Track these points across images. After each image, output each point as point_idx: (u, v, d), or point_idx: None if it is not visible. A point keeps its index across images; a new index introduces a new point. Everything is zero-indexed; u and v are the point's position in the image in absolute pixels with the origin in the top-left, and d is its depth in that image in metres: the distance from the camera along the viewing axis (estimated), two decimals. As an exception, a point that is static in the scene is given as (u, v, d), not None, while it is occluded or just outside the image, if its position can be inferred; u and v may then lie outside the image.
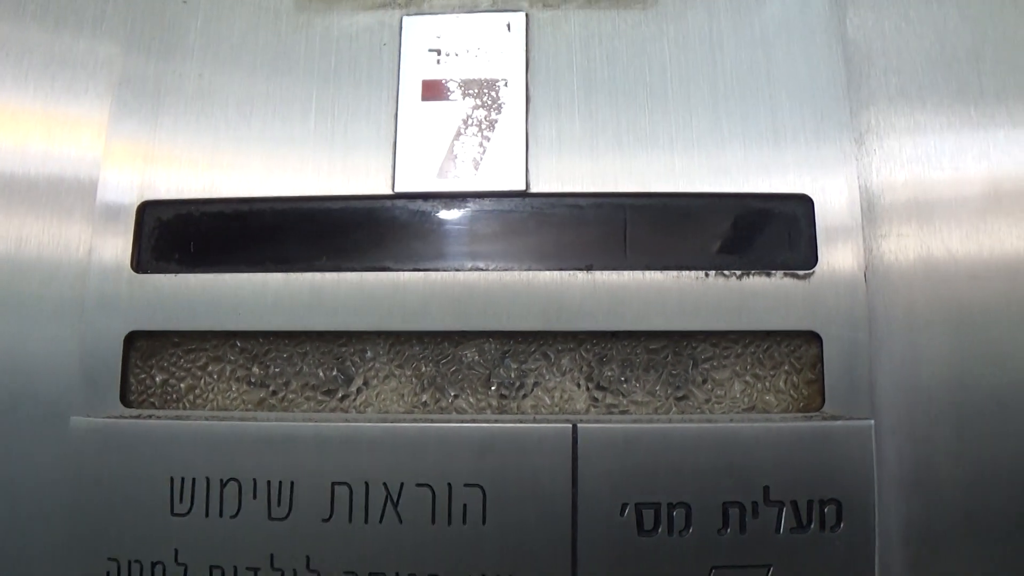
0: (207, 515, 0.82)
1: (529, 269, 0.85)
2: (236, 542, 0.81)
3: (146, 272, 0.87)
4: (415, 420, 0.83)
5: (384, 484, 0.81)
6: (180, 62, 0.92)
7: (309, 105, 0.90)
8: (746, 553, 0.79)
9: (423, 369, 0.86)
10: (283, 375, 0.87)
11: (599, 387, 0.85)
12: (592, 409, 0.85)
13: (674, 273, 0.84)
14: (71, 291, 0.87)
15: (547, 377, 0.86)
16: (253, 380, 0.87)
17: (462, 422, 0.83)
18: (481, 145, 0.87)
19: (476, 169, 0.87)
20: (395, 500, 0.81)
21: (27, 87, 0.93)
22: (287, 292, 0.85)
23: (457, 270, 0.85)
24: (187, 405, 0.87)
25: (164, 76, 0.91)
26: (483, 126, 0.88)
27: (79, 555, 0.82)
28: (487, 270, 0.85)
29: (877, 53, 0.90)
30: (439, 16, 0.91)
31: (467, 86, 0.89)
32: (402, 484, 0.81)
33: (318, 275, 0.86)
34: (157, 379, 0.88)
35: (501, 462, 0.81)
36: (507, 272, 0.85)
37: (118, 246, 0.87)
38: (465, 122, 0.88)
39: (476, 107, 0.88)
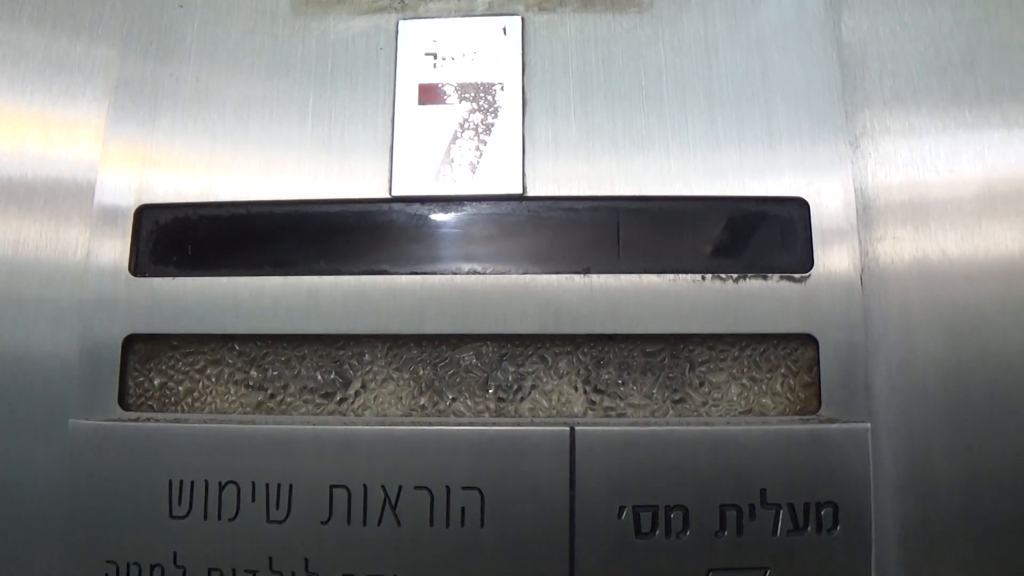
0: (206, 518, 0.82)
1: (526, 272, 0.85)
2: (235, 545, 0.82)
3: (144, 275, 0.87)
4: (413, 423, 0.84)
5: (382, 487, 0.81)
6: (177, 65, 0.92)
7: (306, 109, 0.90)
8: (743, 555, 0.79)
9: (421, 372, 0.87)
10: (281, 378, 0.87)
11: (596, 390, 0.86)
12: (590, 412, 0.86)
13: (671, 276, 0.84)
14: (69, 294, 0.88)
15: (544, 380, 0.86)
16: (251, 383, 0.87)
17: (460, 425, 0.84)
18: (478, 149, 0.87)
19: (473, 173, 0.87)
20: (393, 503, 0.81)
21: (24, 90, 0.93)
22: (285, 295, 0.86)
23: (454, 273, 0.85)
24: (185, 408, 0.87)
25: (161, 79, 0.91)
26: (479, 130, 0.88)
27: (78, 557, 0.83)
28: (484, 273, 0.85)
29: (872, 56, 0.91)
30: (435, 20, 0.92)
31: (463, 90, 0.89)
32: (400, 487, 0.81)
33: (316, 278, 0.86)
34: (155, 382, 0.88)
35: (499, 465, 0.81)
36: (504, 275, 0.85)
37: (116, 249, 0.88)
38: (462, 126, 0.88)
39: (472, 111, 0.88)
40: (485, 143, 0.87)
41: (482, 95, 0.89)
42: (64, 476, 0.84)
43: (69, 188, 0.90)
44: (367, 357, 0.87)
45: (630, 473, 0.80)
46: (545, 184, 0.87)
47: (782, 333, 0.84)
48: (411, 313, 0.85)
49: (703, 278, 0.84)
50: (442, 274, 0.85)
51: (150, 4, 0.94)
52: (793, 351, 0.85)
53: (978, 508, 0.82)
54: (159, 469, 0.83)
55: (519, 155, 0.87)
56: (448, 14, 0.92)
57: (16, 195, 0.90)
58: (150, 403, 0.87)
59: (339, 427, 0.83)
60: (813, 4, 0.90)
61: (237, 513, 0.82)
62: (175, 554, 0.82)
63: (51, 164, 0.91)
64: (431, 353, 0.87)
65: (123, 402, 0.86)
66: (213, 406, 0.87)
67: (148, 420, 0.85)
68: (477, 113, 0.88)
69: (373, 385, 0.87)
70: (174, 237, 0.88)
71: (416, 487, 0.81)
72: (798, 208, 0.85)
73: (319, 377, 0.87)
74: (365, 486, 0.81)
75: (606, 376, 0.86)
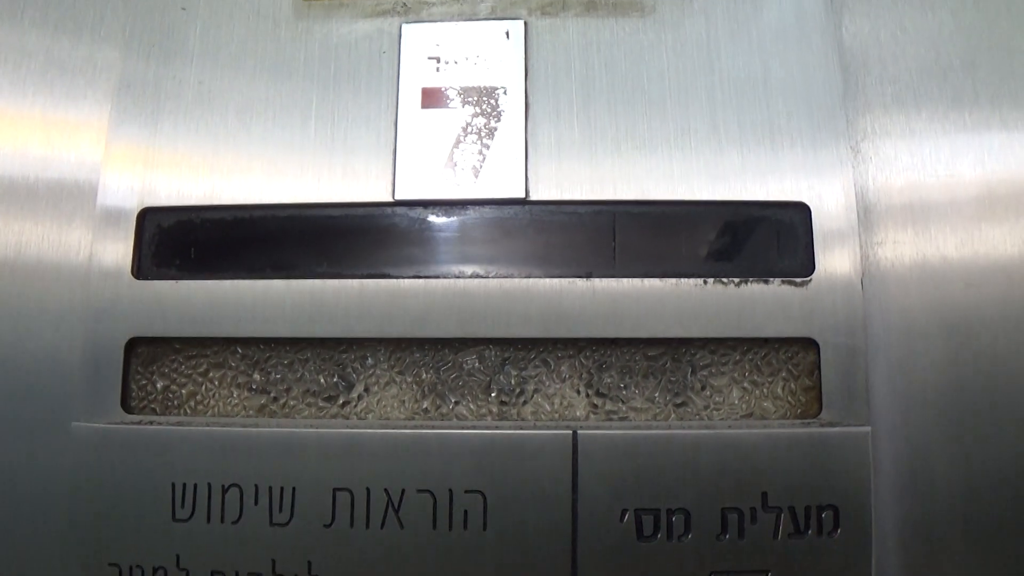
0: (209, 521, 0.82)
1: (529, 276, 0.85)
2: (238, 548, 0.82)
3: (147, 278, 0.87)
4: (416, 426, 0.84)
5: (385, 490, 0.81)
6: (180, 68, 0.92)
7: (309, 112, 0.90)
8: (744, 558, 0.80)
9: (424, 376, 0.87)
10: (284, 381, 0.88)
11: (599, 394, 0.86)
12: (592, 416, 0.86)
13: (672, 281, 0.84)
14: (72, 297, 0.88)
15: (547, 384, 0.87)
16: (254, 386, 0.88)
17: (463, 428, 0.84)
18: (481, 153, 0.88)
19: (476, 177, 0.87)
20: (396, 506, 0.81)
21: (26, 92, 0.93)
22: (288, 299, 0.86)
23: (457, 277, 0.86)
24: (188, 411, 0.88)
25: (164, 82, 0.91)
26: (482, 134, 0.88)
27: (81, 560, 0.83)
28: (487, 277, 0.86)
29: (873, 61, 0.91)
30: (438, 24, 0.92)
31: (466, 94, 0.89)
32: (403, 490, 0.81)
33: (319, 282, 0.86)
34: (158, 385, 0.88)
35: (502, 468, 0.81)
36: (507, 279, 0.85)
37: (118, 252, 0.88)
38: (465, 130, 0.88)
39: (475, 115, 0.89)
40: (488, 147, 0.88)
41: (485, 99, 0.89)
42: (67, 479, 0.84)
43: (71, 191, 0.90)
44: (370, 361, 0.87)
45: (632, 476, 0.81)
46: (548, 188, 0.87)
47: (783, 337, 0.84)
48: (414, 317, 0.85)
49: (705, 282, 0.84)
50: (445, 278, 0.86)
51: (152, 6, 0.94)
52: (794, 355, 0.85)
53: (978, 511, 0.83)
54: (162, 472, 0.83)
55: (522, 159, 0.87)
56: (451, 18, 0.92)
57: (19, 197, 0.90)
58: (153, 406, 0.88)
59: (342, 430, 0.84)
60: (814, 9, 0.91)
61: (240, 516, 0.82)
62: (178, 557, 0.82)
63: (53, 166, 0.91)
64: (434, 357, 0.87)
65: (126, 405, 0.86)
66: (216, 409, 0.88)
67: (151, 423, 0.85)
68: (480, 117, 0.88)
69: (376, 388, 0.87)
70: (177, 240, 0.88)
71: (419, 490, 0.81)
72: (799, 212, 0.86)
73: (322, 380, 0.87)
74: (368, 489, 0.81)
75: (608, 380, 0.86)
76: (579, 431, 0.82)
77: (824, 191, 0.86)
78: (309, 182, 0.88)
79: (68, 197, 0.90)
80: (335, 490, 0.82)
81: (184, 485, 0.83)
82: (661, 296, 0.84)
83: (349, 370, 0.87)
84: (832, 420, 0.82)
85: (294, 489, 0.82)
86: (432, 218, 0.88)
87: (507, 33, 0.91)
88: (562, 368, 0.87)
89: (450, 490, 0.81)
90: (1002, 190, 0.88)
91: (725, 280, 0.84)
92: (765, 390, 0.86)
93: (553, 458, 0.81)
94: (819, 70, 0.89)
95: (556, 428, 0.83)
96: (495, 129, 0.88)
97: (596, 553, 0.80)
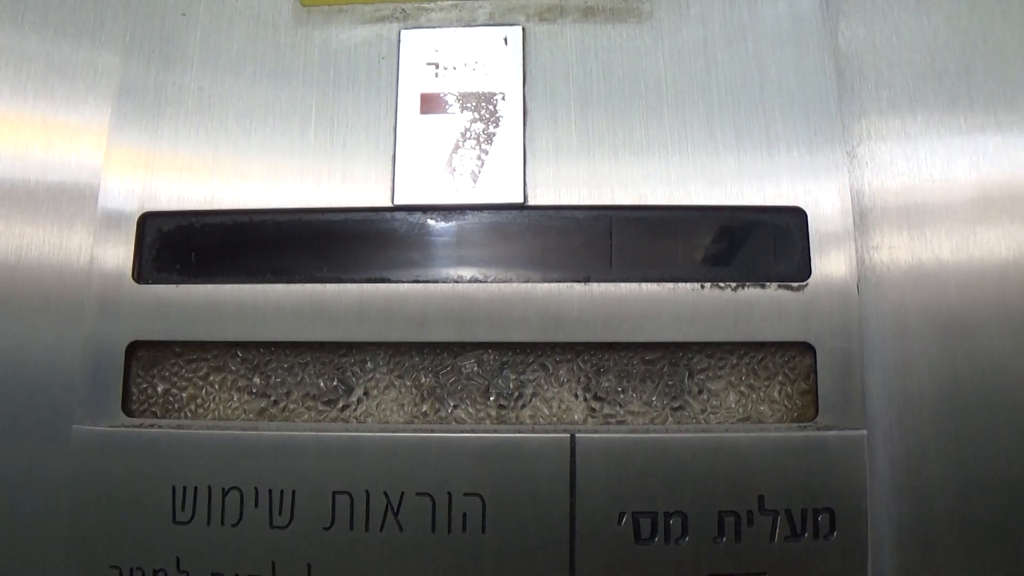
0: (209, 523, 0.82)
1: (527, 281, 0.86)
2: (238, 550, 0.82)
3: (147, 282, 0.88)
4: (415, 430, 0.84)
5: (385, 493, 0.82)
6: (180, 73, 0.92)
7: (308, 117, 0.90)
8: (741, 561, 0.80)
9: (423, 380, 0.87)
10: (284, 385, 0.88)
11: (597, 397, 0.87)
12: (590, 419, 0.86)
13: (670, 285, 0.85)
14: (72, 301, 0.88)
15: (545, 387, 0.87)
16: (254, 390, 0.88)
17: (461, 432, 0.84)
18: (479, 158, 0.88)
19: (474, 182, 0.88)
20: (395, 509, 0.82)
21: (27, 96, 0.94)
22: (288, 303, 0.86)
23: (456, 282, 0.86)
24: (188, 415, 0.88)
25: (164, 87, 0.92)
26: (481, 139, 0.88)
27: (81, 563, 0.83)
28: (486, 282, 0.86)
29: (869, 66, 0.91)
30: (437, 30, 0.92)
31: (465, 99, 0.90)
32: (402, 493, 0.82)
33: (318, 286, 0.86)
34: (159, 389, 0.88)
35: (500, 471, 0.82)
36: (505, 284, 0.86)
37: (119, 256, 0.88)
38: (463, 135, 0.89)
39: (474, 120, 0.89)
40: (487, 152, 0.88)
41: (483, 104, 0.89)
42: (68, 482, 0.84)
43: (72, 194, 0.91)
44: (369, 364, 0.88)
45: (630, 480, 0.81)
46: (546, 193, 0.87)
47: (780, 341, 0.85)
48: (413, 321, 0.85)
49: (702, 287, 0.85)
50: (444, 282, 0.86)
51: (152, 12, 0.94)
52: (791, 359, 0.86)
53: (973, 513, 0.83)
54: (162, 475, 0.83)
55: (520, 164, 0.88)
56: (450, 24, 0.92)
57: (19, 201, 0.91)
58: (153, 409, 0.88)
59: (342, 434, 0.84)
60: (810, 14, 0.91)
61: (240, 519, 0.82)
62: (178, 559, 0.83)
63: (54, 170, 0.91)
64: (433, 361, 0.88)
65: (126, 408, 0.86)
66: (216, 413, 0.88)
67: (151, 426, 0.85)
68: (478, 122, 0.89)
69: (375, 392, 0.88)
70: (177, 244, 0.89)
71: (418, 493, 0.82)
72: (796, 217, 0.86)
73: (322, 384, 0.88)
74: (367, 492, 0.82)
75: (606, 384, 0.87)
76: (577, 435, 0.82)
77: (820, 195, 0.87)
78: (309, 187, 0.89)
79: (69, 201, 0.91)
80: (335, 493, 0.82)
81: (184, 488, 0.83)
82: (658, 300, 0.85)
83: (348, 374, 0.88)
84: (828, 423, 0.83)
85: (294, 492, 0.82)
86: (431, 223, 0.88)
87: (505, 39, 0.91)
88: (560, 372, 0.87)
89: (449, 493, 0.81)
90: (997, 194, 0.88)
91: (722, 284, 0.85)
92: (762, 394, 0.86)
93: (551, 461, 0.82)
94: (815, 75, 0.90)
95: (554, 432, 0.83)
96: (493, 134, 0.89)
97: (594, 556, 0.81)
